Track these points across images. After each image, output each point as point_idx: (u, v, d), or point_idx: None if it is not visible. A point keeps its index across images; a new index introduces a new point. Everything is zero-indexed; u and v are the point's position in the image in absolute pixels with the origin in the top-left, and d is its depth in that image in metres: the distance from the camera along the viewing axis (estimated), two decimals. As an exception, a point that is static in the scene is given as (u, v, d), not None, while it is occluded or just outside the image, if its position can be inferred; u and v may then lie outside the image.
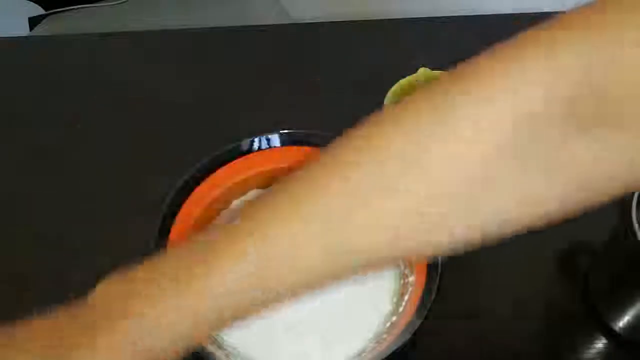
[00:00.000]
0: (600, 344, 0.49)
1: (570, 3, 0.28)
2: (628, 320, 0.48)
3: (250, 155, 0.50)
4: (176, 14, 0.95)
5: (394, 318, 0.45)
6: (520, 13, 0.72)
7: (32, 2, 0.96)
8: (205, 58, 0.70)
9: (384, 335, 0.44)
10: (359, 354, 0.44)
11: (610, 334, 0.49)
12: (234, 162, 0.50)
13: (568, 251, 0.54)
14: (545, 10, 0.72)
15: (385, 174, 0.29)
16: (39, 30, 0.94)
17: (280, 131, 0.50)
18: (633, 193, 0.43)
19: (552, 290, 0.52)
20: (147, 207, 0.46)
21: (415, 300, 0.43)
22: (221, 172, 0.50)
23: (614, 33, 0.26)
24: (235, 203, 0.51)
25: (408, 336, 0.40)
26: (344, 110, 0.62)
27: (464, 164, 0.28)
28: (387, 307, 0.46)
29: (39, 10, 0.96)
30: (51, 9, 0.95)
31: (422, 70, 0.57)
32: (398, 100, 0.56)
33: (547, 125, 0.27)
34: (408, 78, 0.56)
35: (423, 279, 0.44)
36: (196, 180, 0.49)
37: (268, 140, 0.50)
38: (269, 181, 0.52)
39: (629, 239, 0.42)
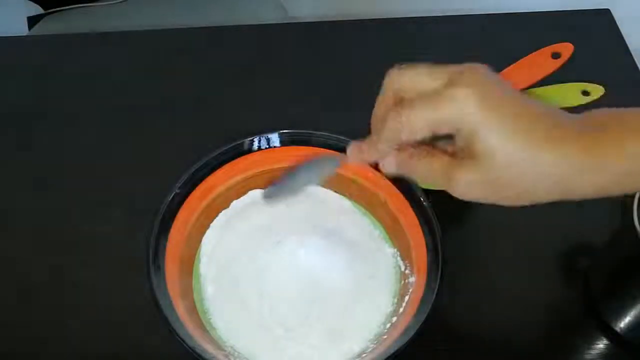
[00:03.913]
0: (600, 344, 0.49)
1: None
2: (628, 320, 0.48)
3: (250, 155, 0.50)
4: (175, 13, 0.95)
5: (395, 319, 0.45)
6: (521, 12, 0.72)
7: (31, 2, 0.95)
8: (205, 57, 0.70)
9: (385, 336, 0.44)
10: (360, 355, 0.44)
11: (610, 334, 0.49)
12: (234, 162, 0.50)
13: (568, 251, 0.54)
14: (545, 9, 0.72)
15: None
16: (38, 29, 0.94)
17: (280, 131, 0.50)
18: (635, 193, 0.43)
19: (552, 290, 0.52)
20: (147, 207, 0.46)
21: (416, 301, 0.43)
22: (221, 172, 0.50)
23: None
24: (235, 203, 0.51)
25: (408, 337, 0.40)
26: (343, 110, 0.62)
27: None
28: (388, 307, 0.46)
29: (37, 10, 0.96)
30: (50, 9, 0.95)
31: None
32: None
33: None
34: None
35: (423, 279, 0.44)
36: (196, 180, 0.49)
37: (268, 140, 0.50)
38: (269, 181, 0.52)
39: (629, 239, 0.42)
